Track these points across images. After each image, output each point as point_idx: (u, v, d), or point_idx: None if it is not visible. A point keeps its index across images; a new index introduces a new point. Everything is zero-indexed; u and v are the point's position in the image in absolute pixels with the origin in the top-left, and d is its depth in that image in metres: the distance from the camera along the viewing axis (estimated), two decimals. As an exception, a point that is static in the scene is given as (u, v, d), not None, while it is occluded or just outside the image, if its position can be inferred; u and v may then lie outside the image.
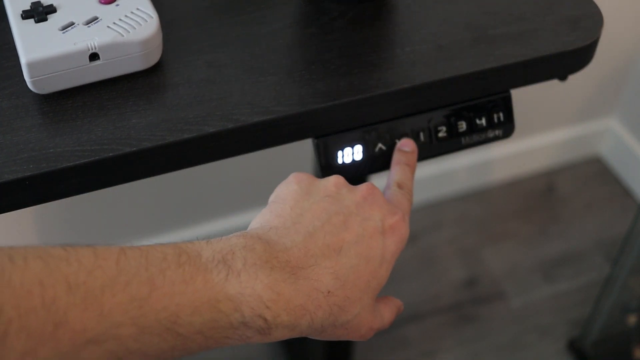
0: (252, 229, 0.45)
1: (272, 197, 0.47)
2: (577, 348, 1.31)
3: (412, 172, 0.54)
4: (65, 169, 0.46)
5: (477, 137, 0.58)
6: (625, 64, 1.50)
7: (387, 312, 0.48)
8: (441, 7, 0.59)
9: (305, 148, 1.26)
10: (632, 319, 1.27)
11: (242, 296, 0.39)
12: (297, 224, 0.44)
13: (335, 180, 0.48)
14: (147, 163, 0.49)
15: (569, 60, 0.57)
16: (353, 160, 0.55)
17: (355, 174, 0.55)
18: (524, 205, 1.56)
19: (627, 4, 1.39)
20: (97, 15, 0.51)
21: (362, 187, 0.48)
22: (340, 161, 0.55)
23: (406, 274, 1.44)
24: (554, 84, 0.68)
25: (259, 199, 1.43)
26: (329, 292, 0.42)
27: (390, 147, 0.56)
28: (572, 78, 0.60)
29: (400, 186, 0.51)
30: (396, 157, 0.54)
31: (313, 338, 0.44)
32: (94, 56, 0.49)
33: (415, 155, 0.55)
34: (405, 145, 0.55)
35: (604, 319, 1.26)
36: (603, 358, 1.31)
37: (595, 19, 0.58)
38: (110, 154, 0.47)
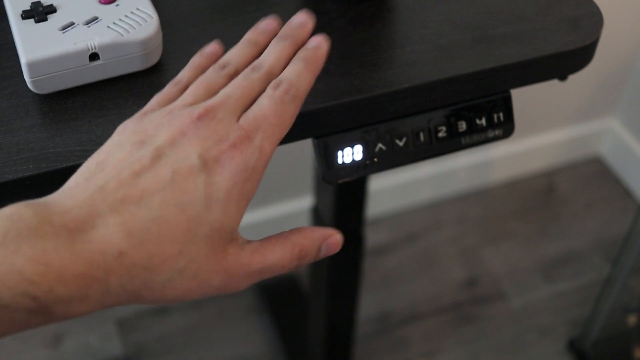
0: (60, 190, 0.39)
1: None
2: (577, 348, 1.31)
3: (309, 69, 0.43)
4: (65, 169, 0.46)
5: (477, 137, 0.58)
6: (625, 64, 1.50)
7: (276, 251, 0.41)
8: (441, 7, 0.59)
9: (305, 148, 1.26)
10: (632, 319, 1.27)
11: None
12: (91, 179, 0.38)
13: (165, 112, 0.40)
14: (147, 163, 0.49)
15: (569, 60, 0.57)
16: (353, 160, 0.55)
17: (356, 174, 0.55)
18: (524, 205, 1.56)
19: (628, 4, 1.39)
20: (97, 15, 0.51)
21: (185, 115, 0.39)
22: (340, 161, 0.55)
23: (406, 274, 1.44)
24: (554, 84, 0.68)
25: (259, 198, 1.44)
26: (120, 252, 0.36)
27: (390, 147, 0.56)
28: (573, 78, 0.60)
29: (278, 84, 0.41)
30: (287, 45, 0.44)
31: (143, 304, 0.38)
32: (93, 56, 0.49)
33: (316, 48, 0.44)
34: (297, 20, 0.45)
35: (604, 319, 1.26)
36: (603, 358, 1.31)
37: (596, 19, 0.58)
38: (110, 154, 0.47)
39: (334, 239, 0.43)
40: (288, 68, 0.42)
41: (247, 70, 0.43)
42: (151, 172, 0.37)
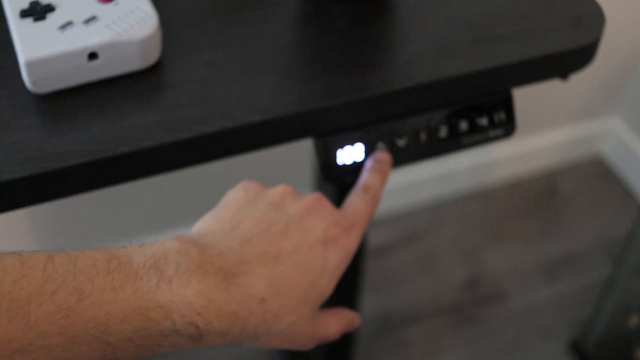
0: (192, 232, 0.44)
1: (219, 203, 0.47)
2: (578, 349, 1.31)
3: (383, 180, 0.53)
4: (64, 168, 0.46)
5: (478, 137, 0.58)
6: (627, 64, 1.50)
7: (334, 323, 0.48)
8: (442, 7, 0.59)
9: (305, 148, 1.26)
10: (634, 320, 1.27)
11: (172, 304, 0.39)
12: (235, 230, 0.44)
13: (283, 189, 0.48)
14: (146, 163, 0.49)
15: (570, 60, 0.57)
16: (353, 160, 0.55)
17: (356, 174, 0.55)
18: (525, 205, 1.56)
19: (630, 3, 1.39)
20: (96, 15, 0.51)
21: (309, 197, 0.47)
22: (340, 161, 0.55)
23: (407, 274, 1.44)
24: (555, 83, 0.68)
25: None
26: (262, 299, 0.42)
27: (391, 147, 0.55)
28: (574, 77, 0.60)
29: (365, 190, 0.51)
30: (369, 164, 0.54)
31: (249, 346, 0.44)
32: (92, 55, 0.49)
33: (389, 167, 0.54)
34: (380, 157, 0.54)
35: (605, 320, 1.26)
36: (605, 359, 1.31)
37: (597, 18, 0.58)
38: (109, 154, 0.47)
39: (357, 321, 0.51)
40: (373, 177, 0.52)
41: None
42: (286, 235, 0.44)
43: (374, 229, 1.46)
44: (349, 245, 0.46)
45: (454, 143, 0.57)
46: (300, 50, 0.55)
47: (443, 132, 0.57)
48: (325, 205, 0.47)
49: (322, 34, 0.56)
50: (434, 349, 1.33)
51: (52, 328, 0.35)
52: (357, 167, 0.55)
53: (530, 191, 1.58)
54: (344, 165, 0.55)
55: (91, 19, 0.50)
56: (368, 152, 0.55)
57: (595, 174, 1.62)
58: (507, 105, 0.58)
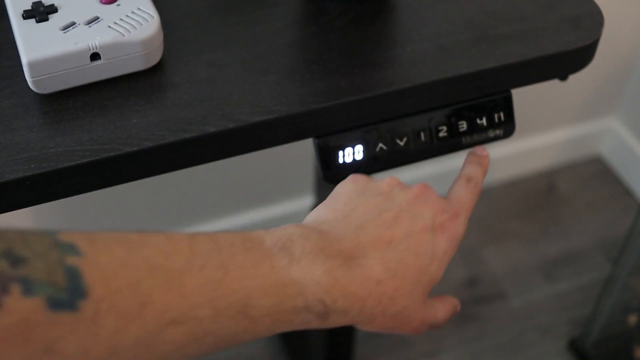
0: (306, 221, 0.46)
1: (330, 195, 0.49)
2: (577, 348, 1.31)
3: (484, 171, 0.54)
4: (66, 168, 0.46)
5: (477, 137, 0.58)
6: (626, 64, 1.50)
7: (442, 310, 0.49)
8: (442, 7, 0.59)
9: (305, 148, 1.26)
10: (632, 319, 1.27)
11: (304, 280, 0.41)
12: (349, 218, 0.46)
13: (390, 180, 0.49)
14: (147, 163, 0.49)
15: (569, 60, 0.57)
16: (354, 160, 0.55)
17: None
18: (525, 205, 1.56)
19: (628, 4, 1.39)
20: (98, 15, 0.51)
21: (415, 186, 0.49)
22: (340, 161, 0.55)
23: (407, 273, 1.44)
24: (554, 83, 0.68)
25: (259, 198, 1.44)
26: (379, 281, 0.44)
27: (391, 147, 0.56)
28: (573, 78, 0.60)
29: (468, 179, 0.52)
30: (468, 157, 0.55)
31: (362, 328, 0.45)
32: (95, 56, 0.49)
33: (487, 160, 0.55)
34: (478, 151, 0.56)
35: (604, 319, 1.26)
36: (604, 358, 1.31)
37: (596, 19, 0.58)
38: (111, 154, 0.47)
39: (458, 307, 0.52)
40: (474, 168, 0.53)
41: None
42: (397, 222, 0.46)
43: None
44: (456, 231, 0.48)
45: (453, 143, 0.57)
46: (301, 51, 0.55)
47: (443, 132, 0.57)
48: (432, 193, 0.49)
49: (323, 34, 0.56)
50: (434, 348, 1.33)
51: (203, 300, 0.37)
52: (357, 167, 0.55)
53: (530, 191, 1.59)
54: (344, 165, 0.55)
55: (93, 20, 0.51)
56: (368, 152, 0.55)
57: (595, 173, 1.63)
58: (507, 106, 0.58)
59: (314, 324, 0.42)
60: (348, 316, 0.43)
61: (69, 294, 0.32)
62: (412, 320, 0.46)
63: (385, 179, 0.49)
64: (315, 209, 0.48)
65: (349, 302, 0.42)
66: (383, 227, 0.45)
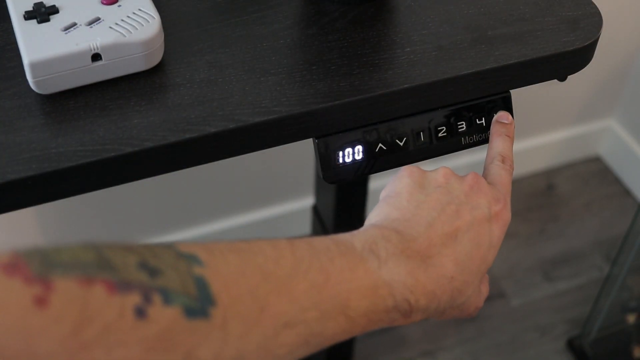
0: (375, 221, 0.47)
1: (385, 192, 0.50)
2: (576, 347, 1.32)
3: (512, 143, 0.55)
4: (68, 169, 0.47)
5: (477, 137, 0.58)
6: (624, 65, 1.50)
7: (485, 289, 0.51)
8: (441, 8, 0.59)
9: (306, 148, 1.27)
10: (631, 318, 1.28)
11: (393, 282, 0.42)
12: (416, 216, 0.47)
13: (444, 171, 0.50)
14: (148, 163, 0.49)
15: (568, 61, 0.57)
16: (354, 160, 0.55)
17: (356, 174, 0.56)
18: (524, 204, 1.56)
19: (627, 5, 1.39)
20: (99, 16, 0.51)
21: (468, 177, 0.50)
22: (340, 161, 0.55)
23: (406, 273, 1.44)
24: (553, 84, 0.68)
25: (259, 198, 1.44)
26: (451, 277, 0.45)
27: (391, 147, 0.56)
28: (572, 78, 0.61)
29: (503, 160, 0.53)
30: (495, 128, 0.56)
31: (436, 319, 0.47)
32: (96, 57, 0.50)
33: (513, 127, 0.56)
34: (503, 118, 0.56)
35: (603, 318, 1.26)
36: (602, 357, 1.31)
37: (595, 20, 0.58)
38: (112, 154, 0.47)
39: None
40: (505, 144, 0.54)
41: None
42: (459, 215, 0.47)
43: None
44: (507, 217, 0.49)
45: (453, 143, 0.58)
46: (301, 51, 0.56)
47: (442, 132, 0.57)
48: (483, 182, 0.50)
49: (323, 35, 0.56)
50: (433, 347, 1.34)
51: (309, 303, 0.39)
52: (357, 168, 0.56)
53: (529, 191, 1.59)
54: (344, 166, 0.55)
55: (95, 21, 0.51)
56: (368, 152, 0.55)
57: (593, 173, 1.63)
58: (506, 106, 0.58)
59: (399, 322, 0.44)
60: (426, 313, 0.45)
61: (201, 303, 0.33)
62: (470, 306, 0.48)
63: (439, 169, 0.50)
64: (376, 207, 0.49)
65: (429, 299, 0.44)
66: (448, 222, 0.47)
